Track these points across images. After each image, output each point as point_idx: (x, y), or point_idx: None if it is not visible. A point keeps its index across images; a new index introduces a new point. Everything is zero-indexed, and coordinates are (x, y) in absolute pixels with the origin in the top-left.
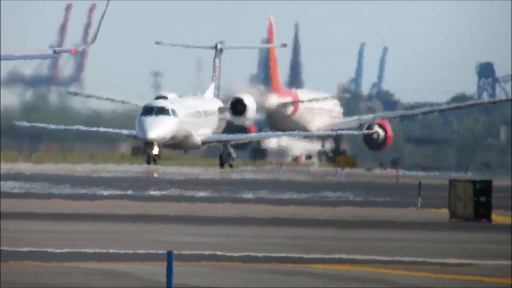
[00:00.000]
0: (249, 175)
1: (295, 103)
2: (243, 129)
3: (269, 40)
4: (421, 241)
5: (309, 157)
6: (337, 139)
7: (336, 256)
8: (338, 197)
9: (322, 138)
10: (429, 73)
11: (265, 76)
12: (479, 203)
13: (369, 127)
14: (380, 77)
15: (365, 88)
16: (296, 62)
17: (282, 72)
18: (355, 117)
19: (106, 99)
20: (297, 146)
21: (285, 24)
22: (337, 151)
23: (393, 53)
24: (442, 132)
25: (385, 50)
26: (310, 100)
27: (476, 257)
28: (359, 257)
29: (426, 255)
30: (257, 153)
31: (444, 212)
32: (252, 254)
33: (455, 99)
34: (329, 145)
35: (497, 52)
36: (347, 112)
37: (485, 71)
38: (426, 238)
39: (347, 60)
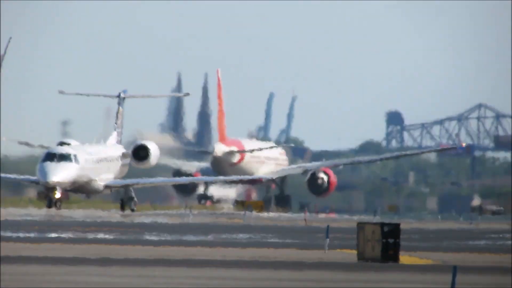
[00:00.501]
0: (157, 218)
1: (242, 152)
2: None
3: (218, 94)
4: (330, 281)
5: (217, 201)
6: (282, 184)
7: None
8: (248, 238)
9: (267, 184)
10: (337, 120)
11: (174, 125)
12: (387, 244)
13: (314, 174)
14: (288, 124)
15: (273, 134)
16: (204, 109)
17: (191, 120)
18: (299, 165)
19: (21, 143)
20: (212, 191)
21: (195, 73)
22: (281, 196)
23: (302, 100)
24: (350, 177)
25: (293, 98)
26: (260, 149)
27: None
28: None
29: None
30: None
31: (352, 253)
32: None
33: (364, 145)
34: (267, 192)
35: (405, 101)
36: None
37: (394, 119)
38: (335, 279)
39: (256, 107)
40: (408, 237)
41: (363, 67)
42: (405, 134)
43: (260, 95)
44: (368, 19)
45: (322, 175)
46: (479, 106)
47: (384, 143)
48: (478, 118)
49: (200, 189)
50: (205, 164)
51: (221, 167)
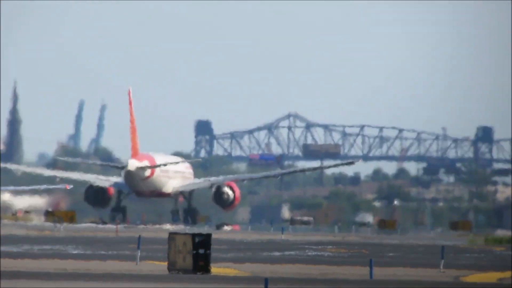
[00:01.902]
0: None
1: (153, 167)
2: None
3: (130, 111)
4: None
5: (27, 212)
6: (190, 197)
7: None
8: (57, 250)
9: (175, 197)
10: (147, 129)
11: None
12: (198, 255)
13: (219, 188)
14: (98, 134)
15: (84, 145)
16: (15, 118)
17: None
18: (205, 179)
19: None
20: (20, 202)
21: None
22: (189, 209)
23: (111, 109)
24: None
25: (103, 107)
26: (167, 164)
27: None
28: None
29: None
30: None
31: (164, 265)
32: None
33: (174, 155)
34: (179, 205)
35: (214, 110)
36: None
37: (203, 128)
38: None
39: (66, 117)
40: (220, 248)
41: (173, 77)
42: (215, 144)
43: (69, 103)
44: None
45: (227, 189)
46: (289, 116)
47: (193, 154)
48: (289, 128)
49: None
50: (117, 179)
51: (133, 181)
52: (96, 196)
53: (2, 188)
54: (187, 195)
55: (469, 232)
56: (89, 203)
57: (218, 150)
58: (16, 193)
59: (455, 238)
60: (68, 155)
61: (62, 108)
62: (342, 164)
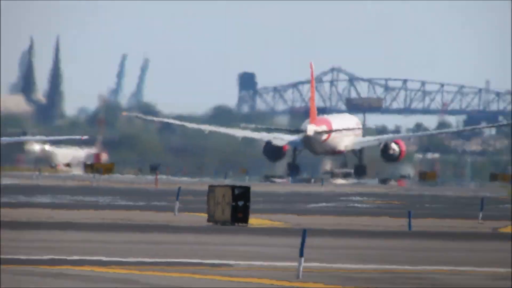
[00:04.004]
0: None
1: (329, 132)
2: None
3: (311, 83)
4: (180, 243)
5: (67, 164)
6: (360, 155)
7: (96, 258)
8: (98, 201)
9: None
10: (190, 85)
11: (24, 85)
12: (236, 207)
13: (386, 145)
14: (139, 88)
15: (125, 99)
16: (56, 72)
17: (40, 81)
18: (374, 138)
19: None
20: (62, 153)
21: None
22: (360, 165)
23: (155, 64)
24: (201, 141)
25: (146, 61)
26: (340, 130)
27: (231, 259)
28: (120, 259)
29: (184, 257)
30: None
31: (203, 216)
32: None
33: (216, 110)
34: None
35: (258, 63)
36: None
37: (247, 81)
38: (185, 241)
39: (107, 70)
40: (259, 200)
41: (214, 27)
42: (257, 98)
43: (112, 57)
44: None
45: (394, 145)
46: (332, 69)
47: (236, 109)
48: (332, 82)
49: None
50: (294, 137)
51: (312, 145)
52: (273, 151)
53: (38, 137)
54: (358, 152)
55: (509, 184)
56: (267, 157)
57: (260, 106)
58: (55, 144)
59: (495, 190)
60: (109, 109)
61: (103, 63)
62: (494, 126)
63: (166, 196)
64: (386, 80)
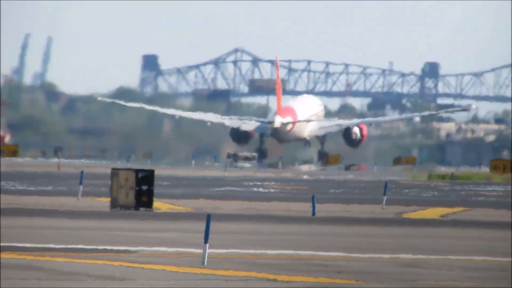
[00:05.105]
0: None
1: (295, 122)
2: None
3: (277, 73)
4: (83, 229)
5: None
6: (323, 140)
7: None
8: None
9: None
10: (93, 65)
11: None
12: (140, 191)
13: (348, 129)
14: (44, 68)
15: (28, 79)
16: None
17: None
18: (336, 123)
19: None
20: None
21: None
22: (323, 151)
23: (59, 45)
24: (104, 123)
25: (50, 40)
26: (307, 121)
27: (134, 245)
28: (23, 245)
29: (87, 243)
30: None
31: (106, 201)
32: None
33: (119, 90)
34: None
35: (161, 45)
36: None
37: (149, 63)
38: (88, 226)
39: (9, 50)
40: (162, 184)
41: (117, 9)
42: (160, 79)
43: (14, 36)
44: None
45: (356, 129)
46: (236, 50)
47: (138, 89)
48: (235, 62)
49: None
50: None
51: (278, 134)
52: (239, 136)
53: None
54: (321, 138)
55: (412, 167)
56: (234, 140)
57: (163, 87)
58: None
59: (398, 173)
60: (12, 89)
61: (6, 42)
62: (455, 111)
63: (69, 180)
64: (289, 61)
